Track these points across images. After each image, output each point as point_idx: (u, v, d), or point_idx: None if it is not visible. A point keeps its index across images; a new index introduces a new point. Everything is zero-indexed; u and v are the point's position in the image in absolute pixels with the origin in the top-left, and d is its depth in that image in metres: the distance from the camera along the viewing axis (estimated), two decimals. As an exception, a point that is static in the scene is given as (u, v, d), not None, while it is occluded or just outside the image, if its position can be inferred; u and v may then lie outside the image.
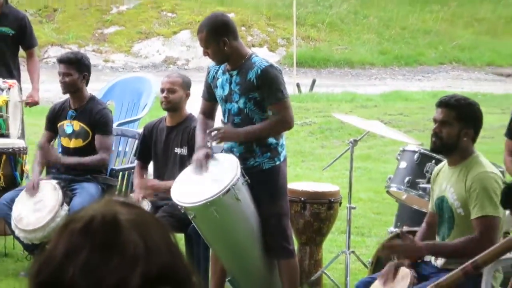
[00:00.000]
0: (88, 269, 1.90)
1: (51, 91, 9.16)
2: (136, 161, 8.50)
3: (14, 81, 9.54)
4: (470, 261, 5.37)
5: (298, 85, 18.61)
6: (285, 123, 7.26)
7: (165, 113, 8.35)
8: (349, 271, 8.01)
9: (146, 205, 7.88)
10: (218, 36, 7.15)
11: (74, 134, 8.61)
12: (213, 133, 7.16)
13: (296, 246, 7.80)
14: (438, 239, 6.56)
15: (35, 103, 9.80)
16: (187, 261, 2.02)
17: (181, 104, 8.18)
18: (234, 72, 7.22)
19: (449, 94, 6.89)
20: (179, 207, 7.27)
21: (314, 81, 19.31)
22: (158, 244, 1.96)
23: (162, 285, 1.91)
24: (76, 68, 8.57)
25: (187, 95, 8.21)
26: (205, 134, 7.31)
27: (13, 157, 8.81)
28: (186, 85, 8.21)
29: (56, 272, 1.92)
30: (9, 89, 9.40)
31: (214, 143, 7.42)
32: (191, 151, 7.80)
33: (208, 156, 7.21)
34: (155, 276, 1.92)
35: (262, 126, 7.18)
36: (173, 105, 8.18)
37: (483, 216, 6.16)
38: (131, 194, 8.09)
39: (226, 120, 7.35)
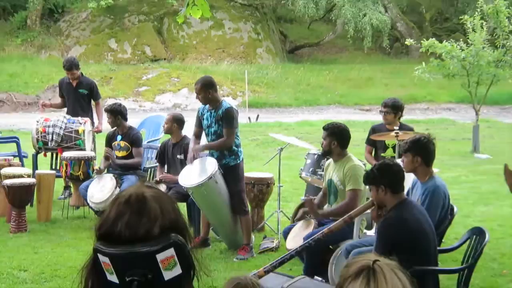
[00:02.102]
0: (129, 224, 1.90)
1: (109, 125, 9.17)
2: (158, 164, 8.49)
3: (87, 118, 9.50)
4: (347, 215, 5.38)
5: (249, 118, 18.62)
6: (228, 142, 7.26)
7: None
8: (280, 222, 7.99)
9: (163, 187, 7.86)
10: (207, 88, 7.20)
11: (122, 149, 8.62)
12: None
13: (249, 208, 7.79)
14: (328, 203, 6.59)
15: (100, 131, 9.74)
16: (185, 219, 2.01)
17: (173, 130, 8.24)
18: (213, 111, 7.25)
19: (331, 122, 6.95)
20: (183, 187, 7.26)
21: (258, 116, 19.32)
22: (168, 208, 1.95)
23: (172, 232, 1.90)
24: (113, 114, 8.73)
25: (178, 125, 8.22)
26: (195, 144, 7.40)
27: (88, 161, 8.72)
28: (175, 120, 8.24)
29: (110, 227, 1.92)
30: (85, 123, 9.35)
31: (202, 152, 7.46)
32: (185, 155, 7.82)
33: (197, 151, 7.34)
34: (167, 227, 1.91)
35: (218, 144, 7.23)
36: (167, 131, 8.34)
37: (352, 188, 6.22)
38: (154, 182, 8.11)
39: (209, 139, 7.36)
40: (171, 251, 1.87)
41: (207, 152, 7.52)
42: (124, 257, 1.88)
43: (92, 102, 9.96)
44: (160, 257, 1.86)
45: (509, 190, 2.99)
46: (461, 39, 14.75)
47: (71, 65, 9.72)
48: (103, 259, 1.90)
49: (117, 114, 8.67)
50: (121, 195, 1.98)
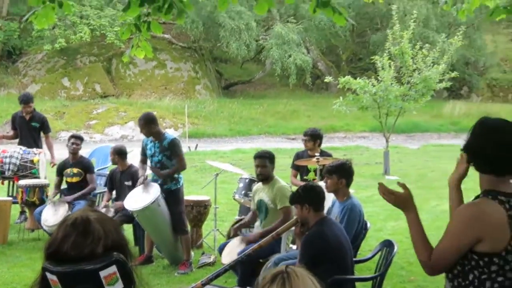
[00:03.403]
0: (74, 245, 1.87)
1: (61, 155, 8.97)
2: (106, 190, 8.33)
3: (41, 150, 9.34)
4: (275, 232, 5.39)
5: (189, 147, 18.50)
6: (182, 167, 7.24)
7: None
8: (216, 239, 7.95)
9: (111, 211, 7.73)
10: (148, 124, 7.13)
11: (75, 175, 8.46)
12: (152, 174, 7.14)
13: (189, 228, 7.72)
14: (259, 221, 6.59)
15: (55, 164, 9.51)
16: (126, 239, 2.00)
17: (116, 161, 8.10)
18: (156, 142, 7.19)
19: (262, 150, 6.95)
20: (129, 210, 7.16)
21: (196, 145, 19.24)
22: (110, 229, 1.93)
23: (114, 251, 1.88)
24: (80, 141, 8.50)
25: (119, 156, 8.06)
26: (142, 171, 7.33)
27: (42, 188, 8.57)
28: (116, 152, 8.10)
29: (58, 247, 1.89)
30: (39, 154, 9.19)
31: (148, 178, 7.33)
32: (133, 182, 7.72)
33: (145, 180, 7.18)
34: (110, 246, 1.89)
35: (173, 170, 7.13)
36: (113, 162, 8.20)
37: (284, 206, 6.25)
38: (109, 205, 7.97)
39: (153, 165, 7.27)
40: (113, 268, 1.85)
41: (149, 178, 7.45)
42: (70, 275, 1.85)
43: (42, 135, 9.77)
44: (103, 273, 1.84)
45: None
46: (372, 76, 15.08)
47: (28, 99, 9.61)
48: (51, 277, 1.87)
49: (82, 140, 8.70)
50: (68, 218, 1.96)
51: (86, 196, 8.42)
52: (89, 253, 1.86)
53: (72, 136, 8.76)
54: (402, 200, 2.97)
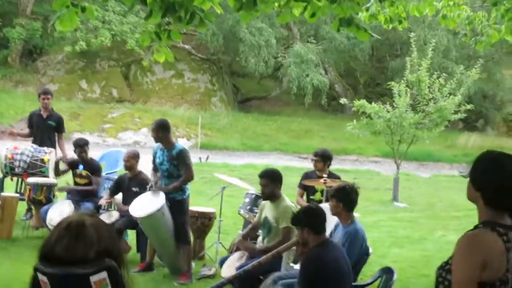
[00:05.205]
0: (67, 248, 1.88)
1: (70, 155, 9.02)
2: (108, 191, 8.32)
3: (52, 149, 9.38)
4: (276, 250, 5.38)
5: (200, 158, 18.52)
6: (189, 178, 7.23)
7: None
8: (218, 252, 7.92)
9: (116, 214, 7.76)
10: (161, 129, 7.16)
11: (83, 177, 8.53)
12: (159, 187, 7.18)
13: (192, 239, 7.71)
14: (261, 237, 6.56)
15: (67, 159, 9.54)
16: (120, 247, 2.00)
17: (132, 165, 8.06)
18: (166, 150, 7.19)
19: (266, 169, 6.91)
20: (133, 217, 7.16)
21: (208, 157, 19.25)
22: (104, 235, 1.94)
23: (106, 257, 1.88)
24: (85, 146, 8.53)
25: (136, 161, 8.08)
26: (154, 178, 7.35)
27: (50, 187, 8.60)
28: (133, 156, 8.09)
29: (51, 249, 1.89)
30: (50, 153, 9.23)
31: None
32: (140, 188, 7.71)
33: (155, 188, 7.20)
34: (102, 252, 1.89)
35: (179, 183, 7.12)
36: (127, 167, 8.10)
37: (286, 226, 6.21)
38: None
39: (160, 174, 7.28)
40: (103, 274, 1.85)
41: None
42: (61, 277, 1.85)
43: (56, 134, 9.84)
44: (93, 279, 1.84)
45: None
46: (388, 102, 15.06)
47: (46, 90, 10.05)
48: (42, 277, 1.87)
49: (84, 146, 8.63)
50: (63, 221, 1.96)
51: (93, 198, 8.44)
52: (80, 257, 1.86)
53: (74, 144, 8.74)
54: None
